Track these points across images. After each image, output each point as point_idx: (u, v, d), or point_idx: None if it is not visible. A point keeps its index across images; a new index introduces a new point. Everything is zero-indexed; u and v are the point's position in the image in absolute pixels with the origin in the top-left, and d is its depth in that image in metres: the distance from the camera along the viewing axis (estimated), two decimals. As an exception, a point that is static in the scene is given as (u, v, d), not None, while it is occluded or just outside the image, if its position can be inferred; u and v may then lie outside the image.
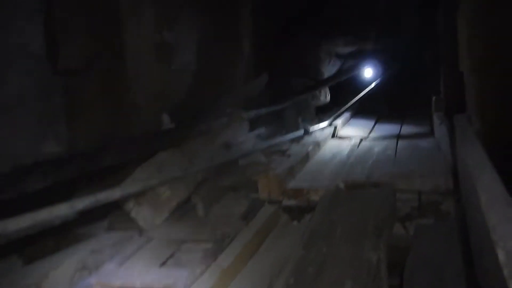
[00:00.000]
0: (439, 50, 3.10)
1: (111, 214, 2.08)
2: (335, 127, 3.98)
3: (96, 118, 2.38)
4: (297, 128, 3.86)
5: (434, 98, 3.82)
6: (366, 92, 5.31)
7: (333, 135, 3.84)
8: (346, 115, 4.63)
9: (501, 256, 0.77)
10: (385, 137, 3.58)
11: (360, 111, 5.09)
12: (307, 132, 3.71)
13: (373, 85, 5.31)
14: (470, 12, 1.94)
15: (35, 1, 2.04)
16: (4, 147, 1.77)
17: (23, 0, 1.97)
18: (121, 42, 2.47)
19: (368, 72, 5.38)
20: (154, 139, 2.11)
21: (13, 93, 1.87)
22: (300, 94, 3.90)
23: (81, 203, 1.56)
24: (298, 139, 3.54)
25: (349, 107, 4.91)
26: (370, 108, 5.25)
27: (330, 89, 4.77)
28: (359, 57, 5.17)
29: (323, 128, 3.89)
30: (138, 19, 2.56)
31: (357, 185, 2.25)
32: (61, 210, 1.48)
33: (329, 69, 4.80)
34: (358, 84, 5.38)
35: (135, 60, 2.52)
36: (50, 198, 1.52)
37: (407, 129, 3.93)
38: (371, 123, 4.44)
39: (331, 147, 3.42)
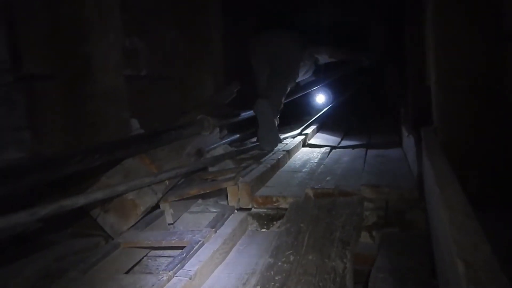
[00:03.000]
0: (407, 64, 3.18)
1: (76, 222, 2.04)
2: (306, 136, 4.02)
3: (61, 124, 2.34)
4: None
5: (402, 110, 3.92)
6: (334, 104, 5.39)
7: (304, 144, 3.87)
8: (316, 125, 4.68)
9: (461, 267, 0.79)
10: (354, 147, 3.64)
11: (329, 122, 5.16)
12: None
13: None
14: (437, 29, 2.00)
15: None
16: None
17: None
18: (87, 48, 2.44)
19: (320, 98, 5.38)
20: (123, 145, 2.07)
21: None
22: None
23: (44, 210, 1.51)
24: (269, 146, 3.55)
25: (318, 117, 4.97)
26: (339, 119, 5.34)
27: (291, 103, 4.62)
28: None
29: (293, 137, 3.93)
30: (105, 25, 2.54)
31: (326, 194, 2.27)
32: (22, 218, 1.43)
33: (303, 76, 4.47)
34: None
35: (102, 66, 2.50)
36: (11, 205, 1.47)
37: (376, 140, 4.00)
38: (341, 133, 4.51)
39: (301, 155, 3.45)
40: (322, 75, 4.94)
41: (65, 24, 2.44)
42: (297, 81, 4.24)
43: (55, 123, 2.42)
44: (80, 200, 1.71)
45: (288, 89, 3.90)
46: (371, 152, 3.34)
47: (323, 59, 4.43)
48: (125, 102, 2.67)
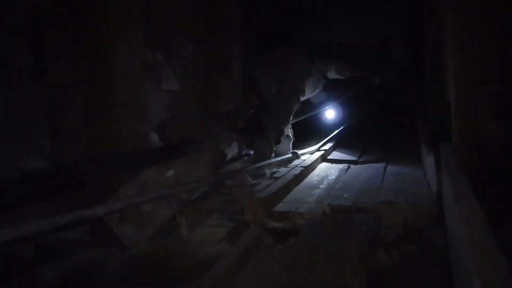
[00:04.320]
0: (427, 80, 3.16)
1: (92, 230, 2.06)
2: (324, 152, 4.00)
3: (82, 134, 2.39)
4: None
5: (421, 127, 3.87)
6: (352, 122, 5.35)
7: (322, 160, 3.86)
8: (334, 141, 4.65)
9: (478, 286, 0.77)
10: (372, 164, 3.60)
11: (347, 139, 5.11)
12: (296, 156, 3.72)
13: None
14: (456, 45, 1.99)
15: (22, 18, 2.07)
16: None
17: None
18: (110, 59, 2.49)
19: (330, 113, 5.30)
20: (141, 157, 2.10)
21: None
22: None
23: (64, 219, 1.54)
24: (287, 162, 3.55)
25: (336, 134, 4.95)
26: (357, 136, 5.30)
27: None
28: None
29: (311, 152, 3.92)
30: (128, 37, 2.59)
31: (343, 210, 2.26)
32: (42, 226, 1.45)
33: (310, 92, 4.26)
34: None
35: (123, 79, 2.55)
36: (30, 213, 1.50)
37: (394, 157, 3.95)
38: (359, 150, 4.47)
39: (319, 171, 3.43)
40: (332, 93, 4.85)
41: (90, 35, 2.51)
42: (305, 98, 4.14)
43: (76, 133, 2.47)
44: (99, 211, 1.73)
45: (294, 109, 3.81)
46: (390, 169, 3.31)
47: (331, 74, 4.32)
48: (145, 114, 2.71)
